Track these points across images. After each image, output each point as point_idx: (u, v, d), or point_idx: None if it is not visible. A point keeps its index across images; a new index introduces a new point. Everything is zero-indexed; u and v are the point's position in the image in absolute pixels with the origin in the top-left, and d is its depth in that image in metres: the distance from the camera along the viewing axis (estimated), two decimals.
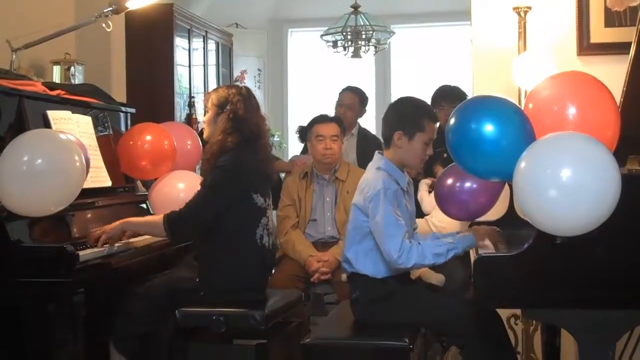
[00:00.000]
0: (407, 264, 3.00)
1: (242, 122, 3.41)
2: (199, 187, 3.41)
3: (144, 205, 3.97)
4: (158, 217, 3.39)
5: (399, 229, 3.00)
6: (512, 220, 3.32)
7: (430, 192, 4.21)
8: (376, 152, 3.28)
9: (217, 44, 6.85)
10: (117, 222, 3.38)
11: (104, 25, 4.13)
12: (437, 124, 3.23)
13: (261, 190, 3.43)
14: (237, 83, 7.94)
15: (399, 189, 3.14)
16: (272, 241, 3.54)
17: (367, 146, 5.23)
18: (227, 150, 3.38)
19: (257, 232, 3.40)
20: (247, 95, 3.49)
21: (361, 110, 5.64)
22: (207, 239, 3.41)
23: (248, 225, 3.39)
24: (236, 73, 7.84)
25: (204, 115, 3.62)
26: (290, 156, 8.06)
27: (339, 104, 5.55)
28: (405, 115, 3.20)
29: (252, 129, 3.43)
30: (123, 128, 4.19)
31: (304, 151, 5.26)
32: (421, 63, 8.43)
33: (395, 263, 3.00)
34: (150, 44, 5.69)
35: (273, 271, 3.93)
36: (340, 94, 5.64)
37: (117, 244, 3.40)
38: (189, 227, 3.37)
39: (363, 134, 5.56)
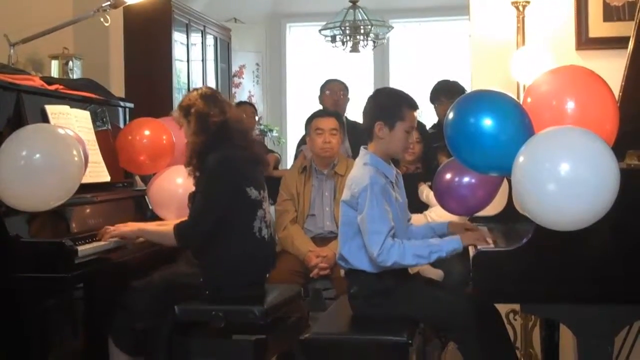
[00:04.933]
0: (387, 263, 2.99)
1: (206, 116, 3.44)
2: (193, 189, 3.43)
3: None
4: (168, 228, 3.41)
5: (384, 226, 3.00)
6: (511, 215, 3.32)
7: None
8: (361, 147, 3.27)
9: (216, 38, 6.84)
10: (135, 227, 3.47)
11: (102, 19, 4.12)
12: (417, 111, 3.21)
13: (254, 183, 3.44)
14: (235, 78, 7.94)
15: (387, 183, 3.13)
16: (271, 233, 3.55)
17: (358, 136, 5.24)
18: (202, 151, 3.41)
19: (254, 224, 3.41)
20: (205, 93, 3.54)
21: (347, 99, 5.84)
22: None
23: (245, 219, 3.40)
24: (234, 68, 7.83)
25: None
26: (289, 151, 8.07)
27: (332, 93, 5.63)
28: (383, 105, 3.20)
29: (216, 119, 3.44)
30: (121, 123, 4.19)
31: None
32: (420, 58, 8.43)
33: (375, 260, 3.01)
34: (148, 38, 5.68)
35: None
36: (326, 85, 5.75)
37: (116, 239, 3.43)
38: (198, 236, 3.39)
39: (352, 125, 5.55)
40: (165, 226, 3.54)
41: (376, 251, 2.97)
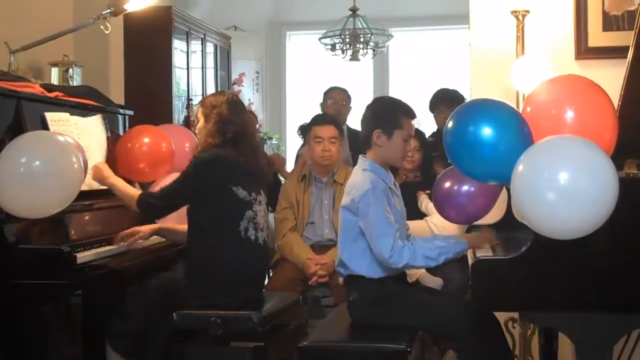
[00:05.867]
0: (399, 264, 3.01)
1: (227, 123, 3.49)
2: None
3: None
4: (135, 193, 3.52)
5: (391, 228, 3.02)
6: (510, 223, 3.32)
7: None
8: (360, 155, 3.30)
9: (216, 46, 6.84)
10: (105, 174, 3.60)
11: (102, 27, 4.13)
12: (415, 120, 3.24)
13: (244, 184, 3.45)
14: (235, 86, 7.94)
15: (387, 188, 3.15)
16: (264, 237, 3.52)
17: (359, 144, 5.25)
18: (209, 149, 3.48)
19: (240, 224, 3.42)
20: (232, 99, 3.59)
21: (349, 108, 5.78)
22: (190, 231, 3.47)
23: (229, 218, 3.42)
24: (234, 76, 7.82)
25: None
26: (288, 159, 8.06)
27: (334, 102, 5.62)
28: (382, 114, 3.23)
29: (236, 129, 3.50)
30: (121, 130, 4.19)
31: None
32: (419, 66, 8.42)
33: (386, 262, 3.02)
34: (148, 46, 5.68)
35: (268, 270, 3.91)
36: (329, 93, 5.71)
37: (116, 246, 3.45)
38: (157, 210, 3.55)
39: (353, 133, 5.55)
40: (133, 190, 3.60)
41: (388, 253, 2.98)
